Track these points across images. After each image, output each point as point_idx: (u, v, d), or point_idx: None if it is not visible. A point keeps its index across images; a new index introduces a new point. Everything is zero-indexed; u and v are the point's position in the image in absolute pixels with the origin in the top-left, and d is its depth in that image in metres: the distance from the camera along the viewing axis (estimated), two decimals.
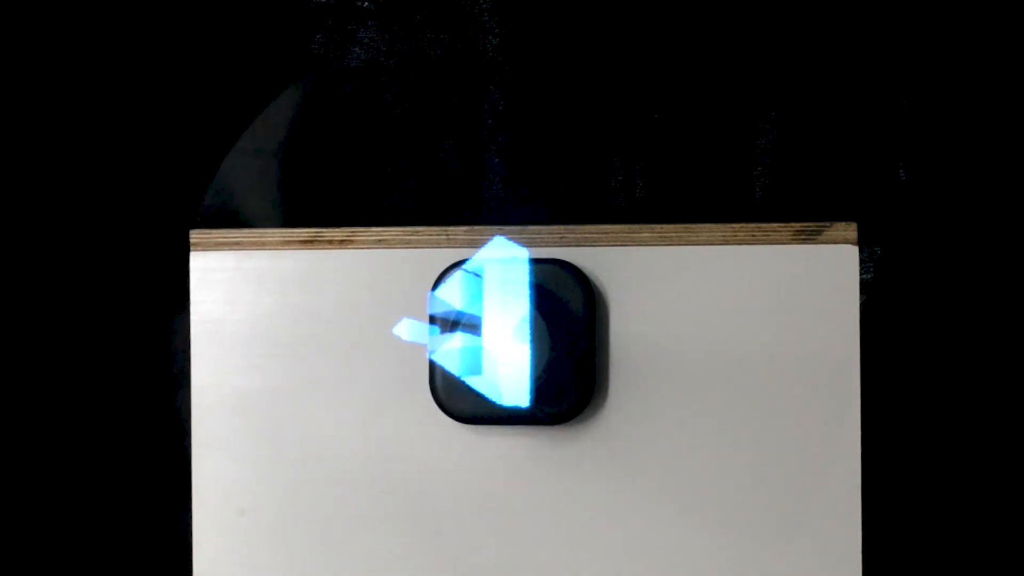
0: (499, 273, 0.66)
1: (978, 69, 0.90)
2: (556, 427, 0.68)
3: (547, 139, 0.92)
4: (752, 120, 0.91)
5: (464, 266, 0.67)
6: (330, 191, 0.93)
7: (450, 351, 0.66)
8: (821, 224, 0.68)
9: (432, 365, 0.68)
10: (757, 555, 0.68)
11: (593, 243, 0.69)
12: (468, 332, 0.66)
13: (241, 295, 0.70)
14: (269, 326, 0.70)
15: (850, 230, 0.68)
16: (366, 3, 0.93)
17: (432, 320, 0.67)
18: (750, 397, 0.68)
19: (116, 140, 0.94)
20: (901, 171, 0.90)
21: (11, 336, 0.94)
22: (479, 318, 0.66)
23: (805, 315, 0.68)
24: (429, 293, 0.67)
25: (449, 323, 0.66)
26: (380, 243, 0.70)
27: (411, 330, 0.67)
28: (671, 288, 0.69)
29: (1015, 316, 0.89)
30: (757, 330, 0.68)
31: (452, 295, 0.66)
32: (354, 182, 0.93)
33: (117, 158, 0.94)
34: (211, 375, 0.70)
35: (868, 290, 0.89)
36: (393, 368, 0.69)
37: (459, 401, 0.68)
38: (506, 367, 0.65)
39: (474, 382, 0.66)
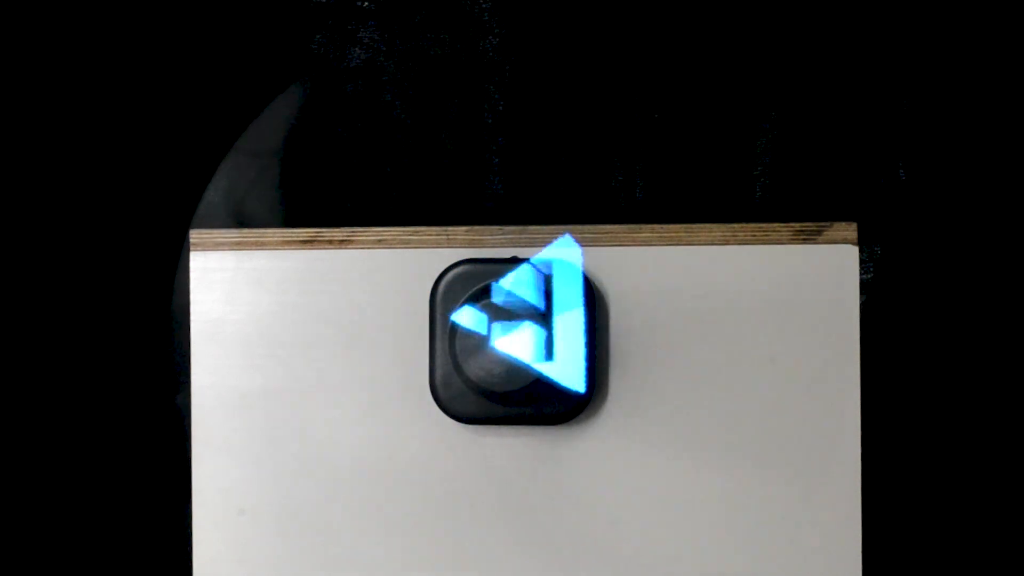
0: (558, 268, 0.66)
1: (978, 69, 0.90)
2: (556, 427, 0.68)
3: (547, 139, 0.91)
4: (752, 120, 0.91)
5: (531, 260, 0.67)
6: (330, 191, 0.93)
7: (515, 339, 0.66)
8: (821, 224, 0.68)
9: (432, 365, 0.68)
10: (758, 555, 0.68)
11: (593, 243, 0.69)
12: (531, 322, 0.66)
13: (241, 295, 0.70)
14: (269, 326, 0.70)
15: (850, 230, 0.68)
16: (366, 3, 0.93)
17: (494, 312, 0.67)
18: (750, 397, 0.68)
19: (116, 140, 0.94)
20: (901, 171, 0.90)
21: (11, 336, 0.94)
22: (540, 308, 0.66)
23: (805, 315, 0.68)
24: (492, 284, 0.67)
25: (507, 313, 0.66)
26: (380, 243, 0.70)
27: (470, 318, 0.67)
28: (671, 288, 0.69)
29: (1015, 316, 0.89)
30: (757, 330, 0.68)
31: (518, 286, 0.66)
32: (354, 182, 0.92)
33: (117, 158, 0.94)
34: (211, 375, 0.70)
35: (868, 290, 0.89)
36: (393, 368, 0.69)
37: (459, 401, 0.68)
38: (565, 355, 0.66)
39: (542, 368, 0.66)
